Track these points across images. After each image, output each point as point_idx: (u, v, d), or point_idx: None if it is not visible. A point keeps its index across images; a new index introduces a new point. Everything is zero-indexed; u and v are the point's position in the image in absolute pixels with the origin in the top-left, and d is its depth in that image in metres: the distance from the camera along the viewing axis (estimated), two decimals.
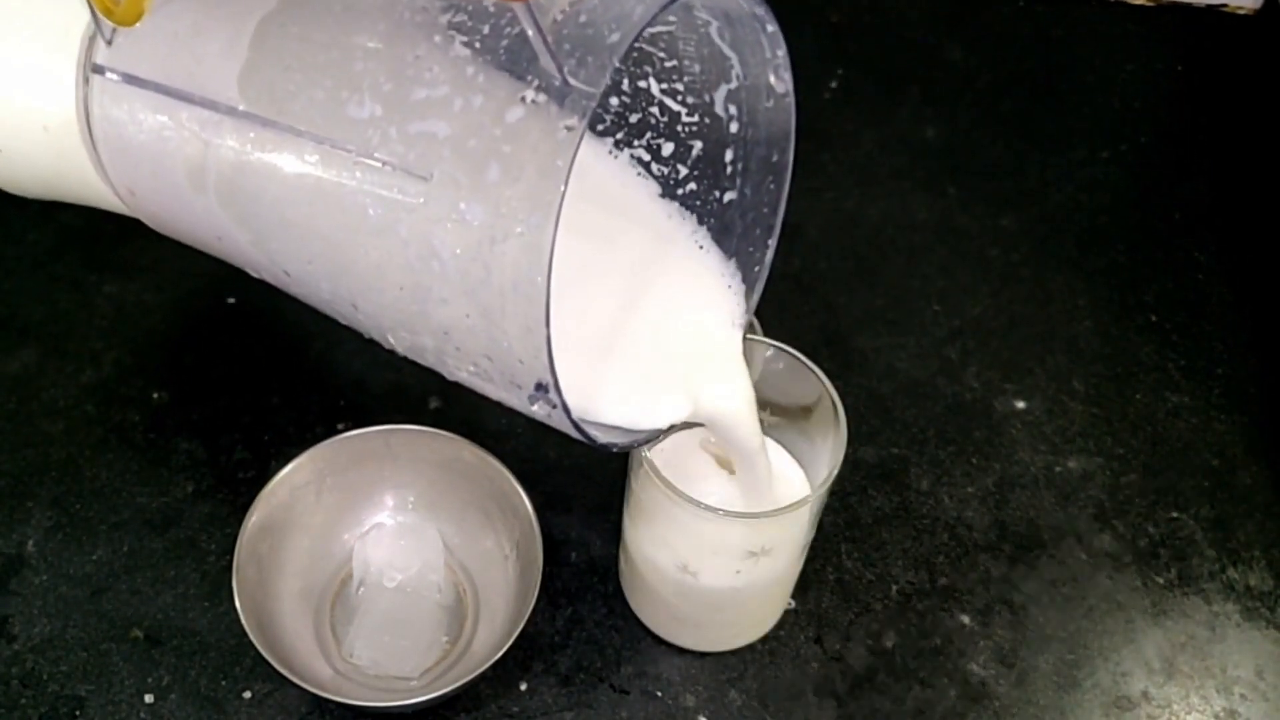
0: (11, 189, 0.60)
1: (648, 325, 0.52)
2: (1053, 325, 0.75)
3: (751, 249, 0.54)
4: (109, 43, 0.51)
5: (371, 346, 0.71)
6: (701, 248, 0.55)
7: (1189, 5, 0.94)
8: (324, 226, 0.46)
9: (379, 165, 0.43)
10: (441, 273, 0.43)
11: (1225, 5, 0.93)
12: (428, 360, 0.48)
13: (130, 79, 0.50)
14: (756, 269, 0.54)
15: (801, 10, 0.92)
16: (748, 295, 0.54)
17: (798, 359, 0.55)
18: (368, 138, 0.44)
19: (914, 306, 0.76)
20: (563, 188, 0.39)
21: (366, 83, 0.44)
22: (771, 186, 0.52)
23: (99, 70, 0.51)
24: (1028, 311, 0.76)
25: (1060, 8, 0.93)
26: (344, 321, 0.51)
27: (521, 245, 0.40)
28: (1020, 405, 0.71)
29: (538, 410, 0.45)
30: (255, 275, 0.54)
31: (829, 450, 0.54)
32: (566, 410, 0.43)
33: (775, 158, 0.52)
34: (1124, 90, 0.89)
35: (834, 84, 0.88)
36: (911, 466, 0.68)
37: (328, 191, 0.45)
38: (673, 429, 0.51)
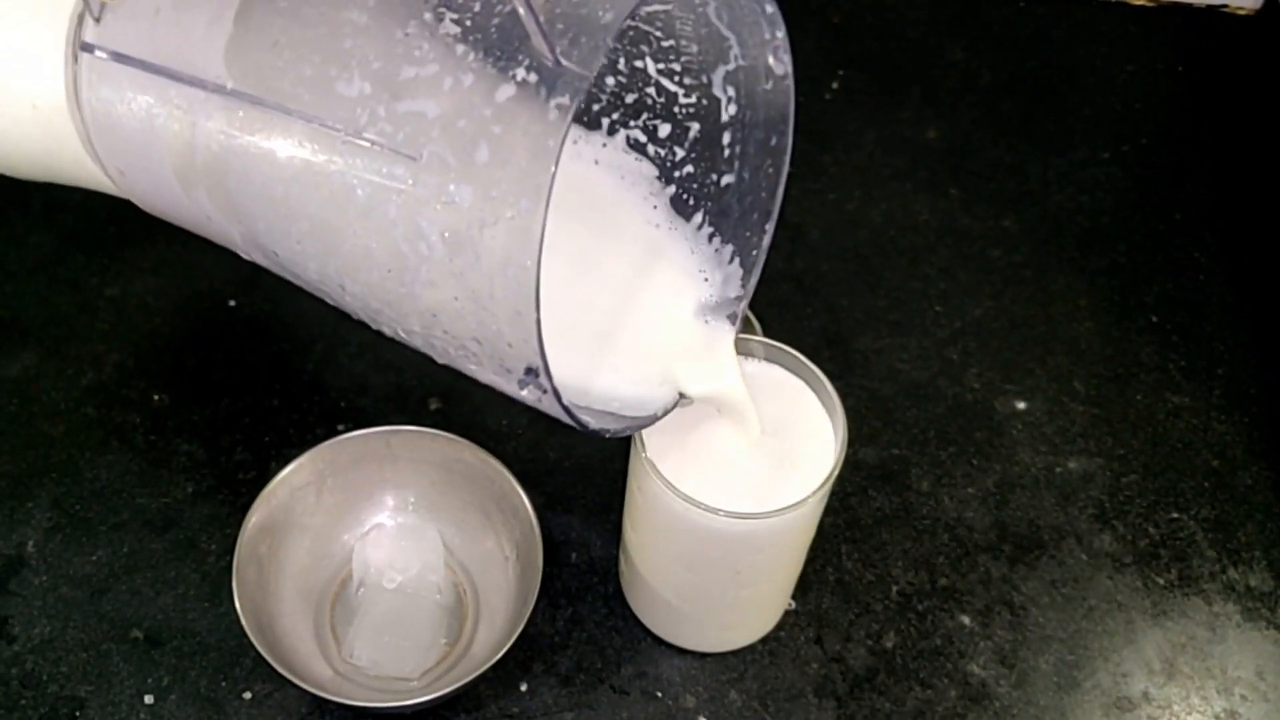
0: (3, 169, 0.59)
1: (634, 316, 0.52)
2: (1054, 326, 0.75)
3: (749, 234, 0.53)
4: (97, 19, 0.51)
5: (371, 349, 0.71)
6: (691, 250, 0.54)
7: (1189, 6, 0.94)
8: (311, 207, 0.46)
9: (367, 145, 0.43)
10: (429, 255, 0.43)
11: (1225, 5, 0.93)
12: (416, 344, 0.48)
13: (118, 57, 0.50)
14: (754, 253, 0.53)
15: (803, 11, 0.92)
16: (744, 280, 0.54)
17: (798, 359, 0.55)
18: (356, 117, 0.43)
19: (915, 307, 0.76)
20: (553, 170, 0.39)
21: (355, 60, 0.44)
22: (770, 171, 0.52)
23: (87, 48, 0.51)
24: (1029, 312, 0.76)
25: (1061, 8, 0.93)
26: (332, 303, 0.51)
27: (511, 229, 0.40)
28: (1021, 406, 0.71)
29: (527, 395, 0.44)
30: (246, 257, 0.53)
31: (829, 451, 0.54)
32: (557, 395, 0.43)
33: (774, 141, 0.51)
34: (1124, 91, 0.89)
35: (835, 85, 0.88)
36: (912, 467, 0.68)
37: (316, 171, 0.45)
38: (667, 413, 0.51)
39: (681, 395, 0.52)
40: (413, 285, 0.44)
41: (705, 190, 0.54)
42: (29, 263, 0.76)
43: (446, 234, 0.42)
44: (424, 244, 0.43)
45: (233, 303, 0.74)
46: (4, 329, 0.72)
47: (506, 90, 0.41)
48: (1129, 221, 0.81)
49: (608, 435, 0.48)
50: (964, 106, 0.87)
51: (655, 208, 0.55)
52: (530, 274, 0.40)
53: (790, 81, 0.49)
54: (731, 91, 0.51)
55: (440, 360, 0.48)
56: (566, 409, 0.44)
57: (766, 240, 0.53)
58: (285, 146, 0.46)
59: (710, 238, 0.55)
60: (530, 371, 0.43)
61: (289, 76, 0.46)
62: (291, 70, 0.46)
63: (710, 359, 0.52)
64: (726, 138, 0.52)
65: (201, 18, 0.48)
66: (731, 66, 0.50)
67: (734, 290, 0.54)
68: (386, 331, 0.49)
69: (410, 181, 0.42)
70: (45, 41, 0.52)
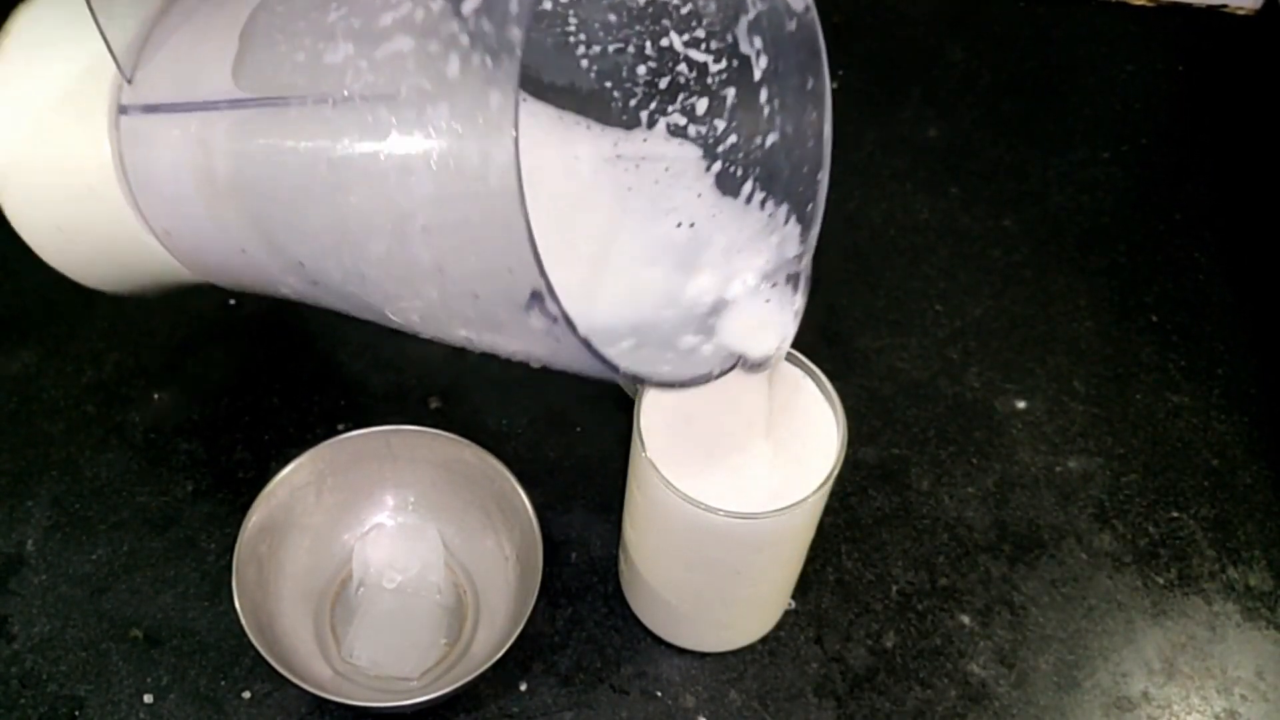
0: (82, 277, 0.60)
1: (687, 309, 0.51)
2: (1053, 326, 0.75)
3: (802, 188, 0.52)
4: (130, 81, 0.51)
5: (371, 349, 0.71)
6: (739, 228, 0.53)
7: (1189, 6, 0.94)
8: (315, 191, 0.46)
9: (354, 102, 0.43)
10: (422, 195, 0.42)
11: (1225, 6, 0.93)
12: (439, 320, 0.47)
13: (149, 108, 0.51)
14: (809, 207, 0.52)
15: None
16: (803, 236, 0.52)
17: (798, 359, 0.55)
18: (343, 80, 0.44)
19: (915, 307, 0.76)
20: (518, 55, 0.38)
21: (340, 28, 0.44)
22: (813, 117, 0.51)
23: (124, 110, 0.51)
24: (1029, 312, 0.76)
25: (1061, 9, 0.93)
26: (365, 313, 0.50)
27: (486, 130, 0.40)
28: (1021, 405, 0.71)
29: (537, 324, 0.42)
30: (289, 293, 0.53)
31: (829, 450, 0.54)
32: (569, 321, 0.41)
33: (810, 84, 0.50)
34: (1124, 91, 0.89)
35: (835, 85, 0.87)
36: (912, 467, 0.68)
37: (312, 153, 0.45)
38: (723, 374, 0.50)
39: (740, 359, 0.50)
40: (413, 241, 0.44)
41: (751, 156, 0.53)
42: (29, 261, 0.75)
43: (432, 163, 0.41)
44: (414, 179, 0.42)
45: (232, 302, 0.74)
46: (4, 326, 0.72)
47: (472, 4, 0.41)
48: (1129, 221, 0.81)
49: (647, 384, 0.46)
50: (964, 106, 0.87)
51: (699, 195, 0.54)
52: (510, 171, 0.38)
53: (814, 15, 0.48)
54: (759, 43, 0.50)
55: (477, 345, 0.47)
56: (586, 342, 0.41)
57: (823, 192, 0.51)
58: (286, 138, 0.46)
59: (762, 204, 0.53)
60: (535, 296, 0.40)
61: (285, 67, 0.46)
62: (286, 61, 0.46)
63: (768, 323, 0.51)
64: (764, 95, 0.51)
65: (213, 47, 0.49)
66: (752, 15, 0.49)
67: (792, 249, 0.52)
68: (416, 319, 0.48)
69: (394, 120, 0.42)
70: (90, 117, 0.52)
